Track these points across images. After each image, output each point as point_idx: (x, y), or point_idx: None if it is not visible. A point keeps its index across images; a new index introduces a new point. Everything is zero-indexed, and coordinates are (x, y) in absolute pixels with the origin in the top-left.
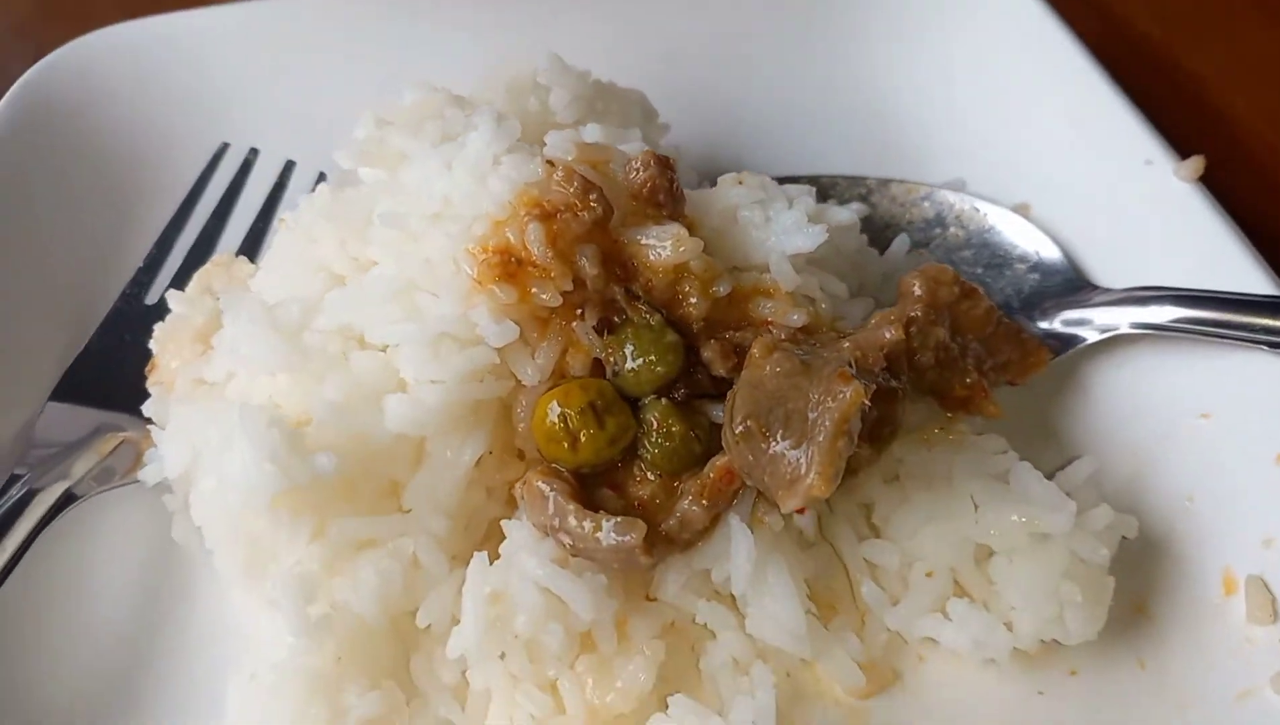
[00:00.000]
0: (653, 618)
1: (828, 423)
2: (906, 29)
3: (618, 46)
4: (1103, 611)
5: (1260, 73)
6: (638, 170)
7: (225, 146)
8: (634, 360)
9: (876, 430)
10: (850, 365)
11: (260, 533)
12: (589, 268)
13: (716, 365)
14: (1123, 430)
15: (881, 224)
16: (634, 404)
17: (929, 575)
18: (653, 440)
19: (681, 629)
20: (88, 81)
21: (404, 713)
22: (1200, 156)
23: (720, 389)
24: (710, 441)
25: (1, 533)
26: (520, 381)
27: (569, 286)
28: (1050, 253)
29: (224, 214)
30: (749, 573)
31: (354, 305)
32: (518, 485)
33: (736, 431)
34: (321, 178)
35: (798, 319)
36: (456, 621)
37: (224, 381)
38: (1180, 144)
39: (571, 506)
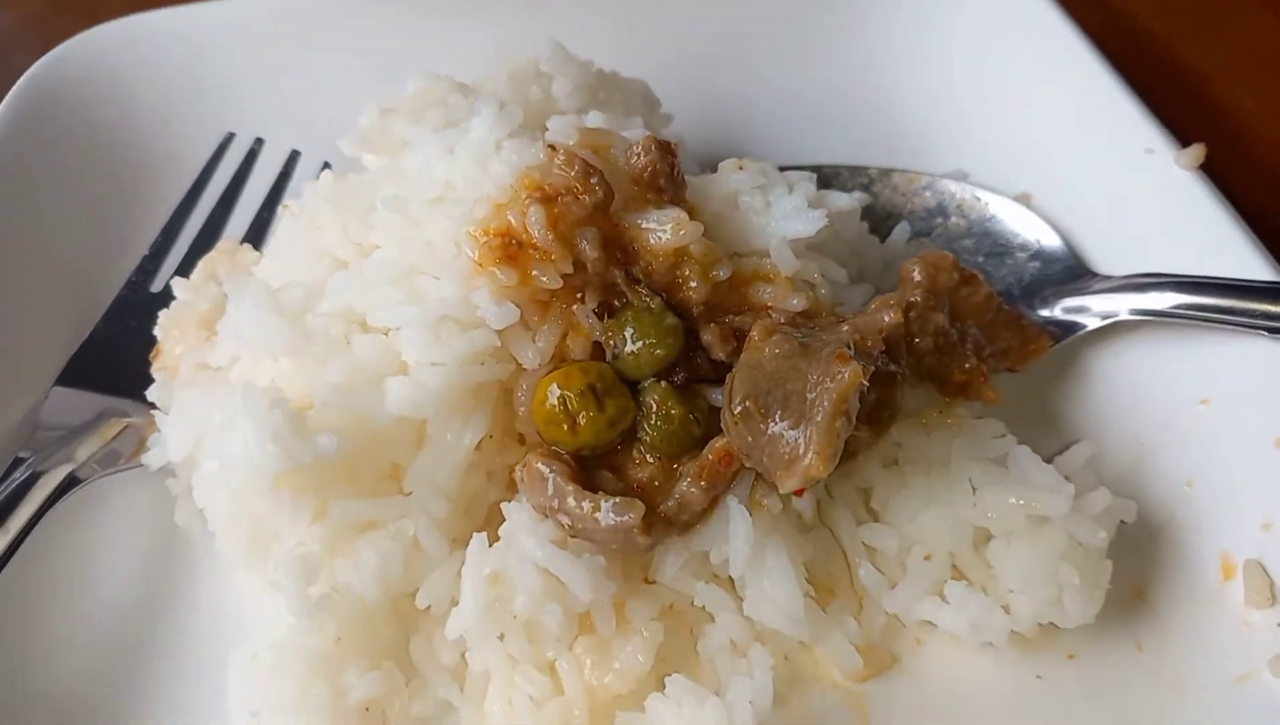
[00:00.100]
0: (651, 600)
1: (826, 403)
2: (909, 21)
3: (622, 37)
4: (1101, 595)
5: (1262, 67)
6: (639, 155)
7: (231, 137)
8: (634, 343)
9: (875, 414)
10: (849, 347)
11: (262, 513)
12: (590, 251)
13: (716, 349)
14: (1122, 416)
15: (883, 213)
16: (634, 387)
17: (927, 559)
18: (652, 423)
19: (680, 611)
20: (95, 74)
21: (403, 693)
22: (1200, 145)
23: (719, 373)
24: (709, 425)
25: (5, 515)
26: (521, 364)
27: (569, 269)
28: (1051, 241)
29: (229, 203)
30: (747, 555)
31: (356, 289)
32: (518, 468)
33: (735, 412)
34: (326, 167)
35: (797, 304)
36: (456, 603)
37: (228, 366)
38: (1181, 137)
39: (570, 487)
